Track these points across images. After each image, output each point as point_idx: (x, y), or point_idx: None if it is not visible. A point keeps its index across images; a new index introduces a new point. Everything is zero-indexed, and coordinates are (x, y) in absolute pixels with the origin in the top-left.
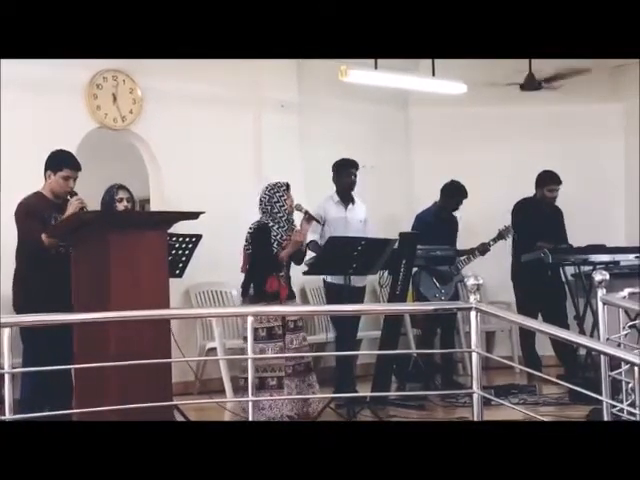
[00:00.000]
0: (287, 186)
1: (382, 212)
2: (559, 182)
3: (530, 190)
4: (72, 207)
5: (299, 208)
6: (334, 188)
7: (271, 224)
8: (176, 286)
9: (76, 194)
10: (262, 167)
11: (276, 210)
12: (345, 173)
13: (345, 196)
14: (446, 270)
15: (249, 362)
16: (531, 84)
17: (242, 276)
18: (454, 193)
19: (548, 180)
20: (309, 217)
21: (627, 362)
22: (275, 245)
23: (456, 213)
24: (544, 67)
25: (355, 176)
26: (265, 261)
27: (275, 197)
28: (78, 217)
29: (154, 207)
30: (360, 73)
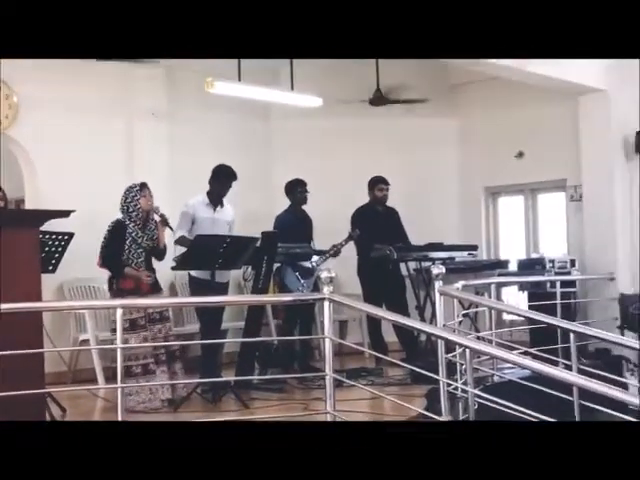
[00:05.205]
0: (142, 186)
1: (245, 212)
2: (387, 183)
3: None
4: None
5: (157, 211)
6: (206, 189)
7: (127, 222)
8: (50, 281)
9: None
10: (134, 170)
11: (131, 209)
12: (223, 182)
13: (215, 199)
14: (307, 265)
15: (118, 351)
16: (378, 100)
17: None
18: (295, 189)
19: (377, 181)
20: (163, 221)
21: (461, 345)
22: (130, 242)
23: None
24: (391, 86)
25: (230, 186)
26: (119, 258)
27: (129, 197)
28: None
29: (29, 206)
30: (225, 85)
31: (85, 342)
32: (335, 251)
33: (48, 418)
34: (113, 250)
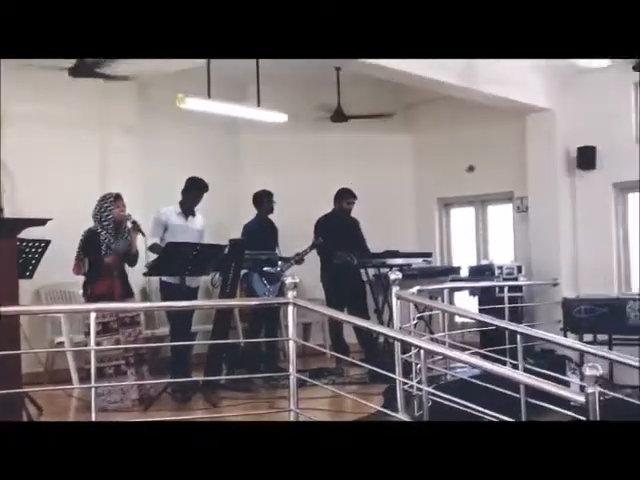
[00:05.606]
0: (116, 197)
1: (214, 221)
2: (355, 196)
3: None
4: None
5: (129, 218)
6: (179, 199)
7: (99, 230)
8: (27, 286)
9: None
10: (108, 181)
11: (103, 219)
12: (196, 194)
13: (187, 210)
14: (273, 271)
15: (91, 353)
16: (338, 117)
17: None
18: (262, 200)
19: (346, 194)
20: (135, 227)
21: (416, 346)
22: (104, 248)
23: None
24: (350, 104)
25: (202, 197)
26: (94, 265)
27: (103, 207)
28: None
29: (7, 215)
30: (195, 101)
31: (60, 344)
32: (299, 259)
33: (25, 417)
34: (90, 260)
